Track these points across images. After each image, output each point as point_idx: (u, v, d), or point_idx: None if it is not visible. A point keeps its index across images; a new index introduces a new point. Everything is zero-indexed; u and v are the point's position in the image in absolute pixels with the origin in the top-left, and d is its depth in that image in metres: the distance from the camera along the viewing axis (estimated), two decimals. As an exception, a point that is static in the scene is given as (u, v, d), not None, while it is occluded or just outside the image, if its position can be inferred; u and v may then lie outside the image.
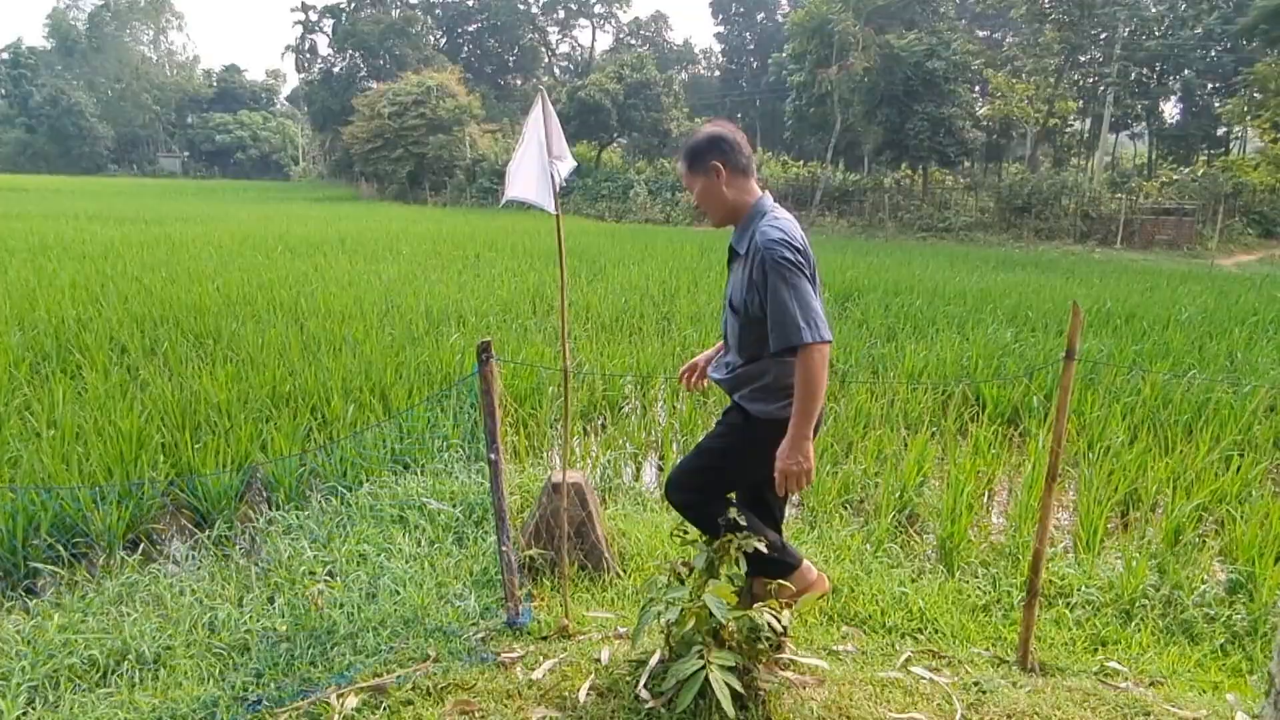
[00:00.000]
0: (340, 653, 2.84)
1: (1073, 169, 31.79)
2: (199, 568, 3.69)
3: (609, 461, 4.98)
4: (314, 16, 61.11)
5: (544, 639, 2.94)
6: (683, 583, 2.47)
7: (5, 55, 75.53)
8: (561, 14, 63.52)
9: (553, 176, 2.62)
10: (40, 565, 3.60)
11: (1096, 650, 3.02)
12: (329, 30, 60.60)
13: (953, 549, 3.80)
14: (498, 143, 41.33)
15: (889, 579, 3.44)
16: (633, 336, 8.54)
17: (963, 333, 8.39)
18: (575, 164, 2.72)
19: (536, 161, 2.60)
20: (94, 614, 3.20)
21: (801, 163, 34.82)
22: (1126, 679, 2.72)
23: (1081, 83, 32.29)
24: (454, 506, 4.07)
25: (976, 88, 33.36)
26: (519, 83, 63.61)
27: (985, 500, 4.77)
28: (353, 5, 59.33)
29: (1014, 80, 29.72)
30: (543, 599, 3.30)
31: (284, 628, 3.00)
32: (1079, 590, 3.38)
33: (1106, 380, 6.53)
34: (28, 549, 3.74)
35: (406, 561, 3.52)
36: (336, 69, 59.44)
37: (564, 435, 3.32)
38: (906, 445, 5.11)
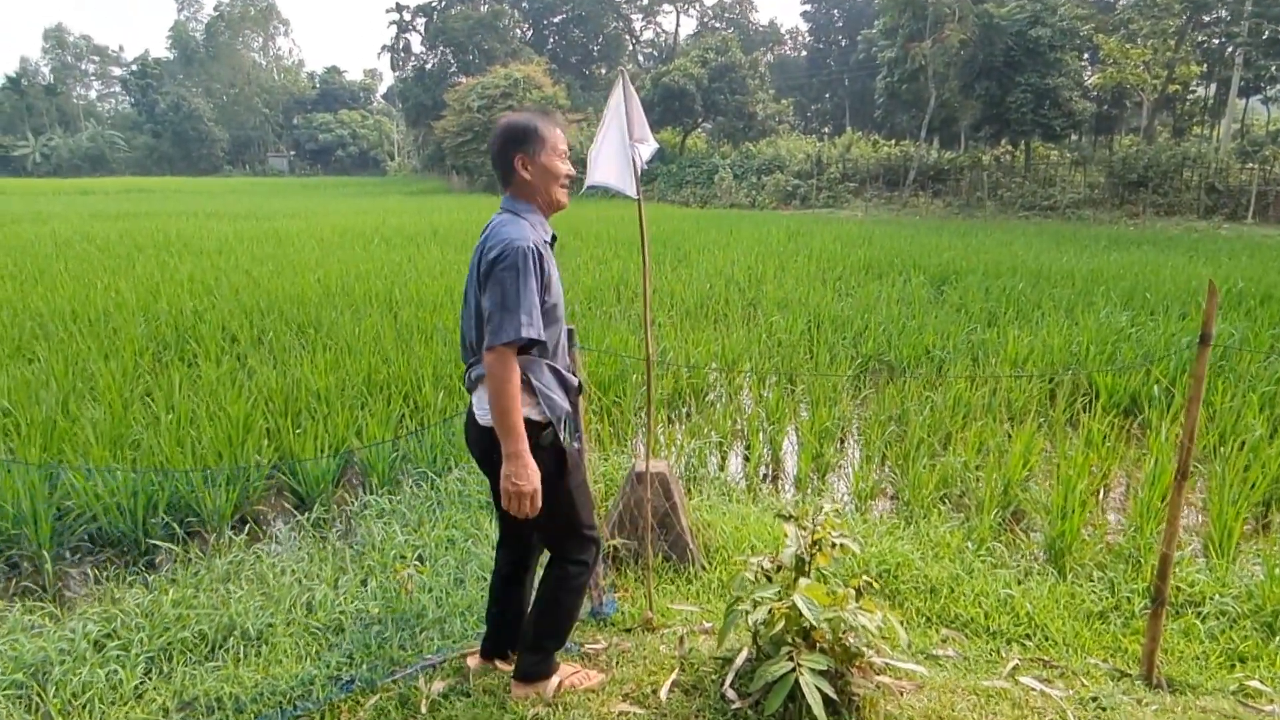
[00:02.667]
0: (428, 637, 2.89)
1: (1195, 139, 29.31)
2: (299, 549, 3.84)
3: (694, 451, 4.90)
4: (408, 16, 63.11)
5: (627, 631, 2.89)
6: (770, 580, 2.37)
7: (135, 67, 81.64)
8: (645, 0, 63.23)
9: (634, 160, 2.55)
10: (158, 543, 3.83)
11: (1233, 667, 2.74)
12: (421, 29, 62.50)
13: (1064, 549, 3.53)
14: (582, 132, 41.60)
15: (993, 580, 3.22)
16: (717, 323, 8.42)
17: (1071, 317, 7.85)
18: (657, 146, 2.64)
19: (618, 146, 2.53)
20: (204, 590, 3.37)
21: (893, 142, 33.46)
22: (1271, 700, 2.45)
23: (1206, 44, 29.64)
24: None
25: (1085, 55, 31.15)
26: (603, 71, 63.81)
27: (1100, 498, 4.43)
28: (444, 3, 60.90)
29: (1128, 45, 27.56)
30: (626, 590, 3.26)
31: (376, 610, 3.08)
32: (1212, 599, 3.07)
33: (1240, 367, 5.95)
34: (147, 527, 3.99)
35: (493, 548, 3.55)
36: (428, 65, 61.20)
37: (648, 424, 3.26)
38: (1010, 437, 4.81)
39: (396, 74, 64.82)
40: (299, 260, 11.86)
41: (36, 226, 18.58)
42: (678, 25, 65.97)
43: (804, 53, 63.33)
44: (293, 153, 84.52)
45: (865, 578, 2.45)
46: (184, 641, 2.95)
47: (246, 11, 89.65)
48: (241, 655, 2.85)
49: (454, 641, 2.86)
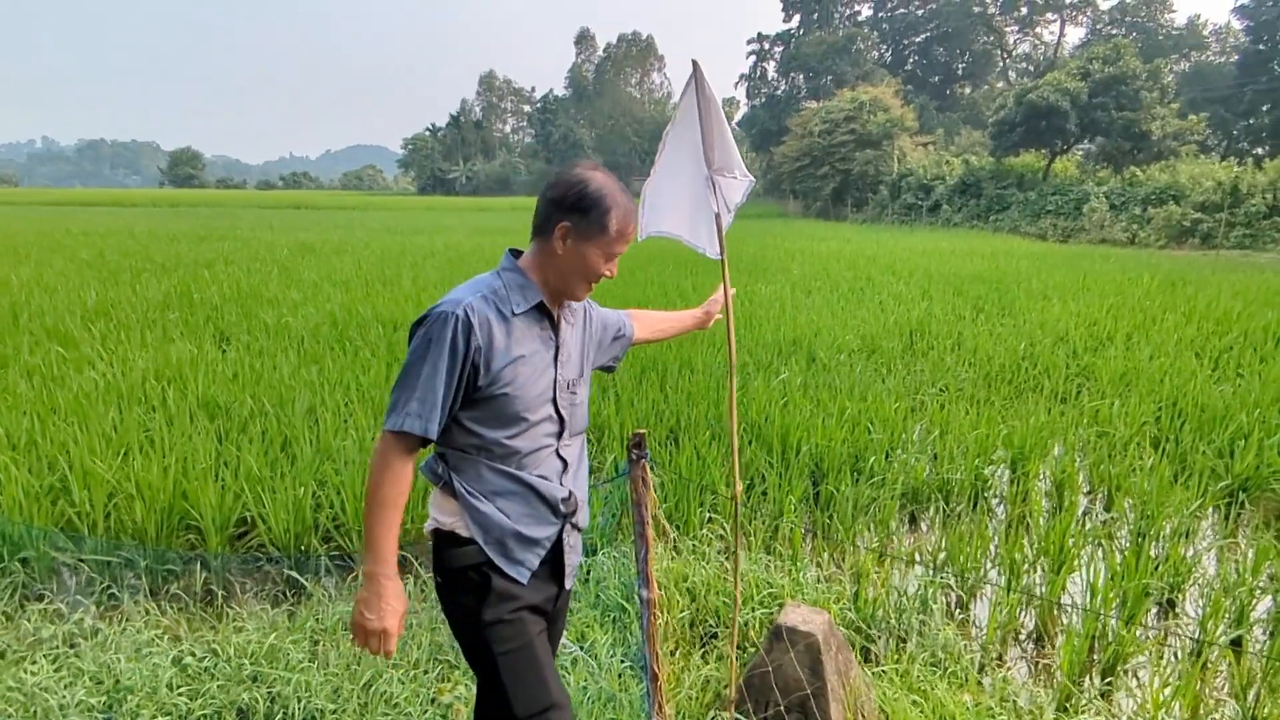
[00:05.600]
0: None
1: None
2: (415, 611, 3.50)
3: (915, 585, 3.59)
4: (767, 45, 65.08)
5: None
6: None
7: (539, 104, 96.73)
8: (1024, 10, 56.90)
9: (714, 200, 1.62)
10: (295, 575, 3.76)
11: None
12: (778, 56, 63.94)
13: None
14: (928, 155, 38.62)
15: None
16: (1025, 394, 6.60)
17: None
18: (751, 181, 1.66)
19: (690, 176, 1.63)
20: (292, 639, 3.15)
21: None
22: None
23: None
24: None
25: None
26: (968, 90, 58.98)
27: None
28: (801, 30, 61.59)
29: None
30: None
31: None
32: None
33: None
34: (304, 549, 3.98)
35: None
36: (779, 91, 62.34)
37: (734, 582, 2.23)
38: None
39: (750, 101, 67.16)
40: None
41: (426, 238, 22.39)
42: (1061, 35, 58.03)
43: (1235, 57, 51.30)
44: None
45: None
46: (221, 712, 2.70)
47: (629, 51, 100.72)
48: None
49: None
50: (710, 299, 2.13)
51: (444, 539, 1.67)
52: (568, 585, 1.82)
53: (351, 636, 1.59)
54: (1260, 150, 42.34)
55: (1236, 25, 51.09)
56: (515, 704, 1.64)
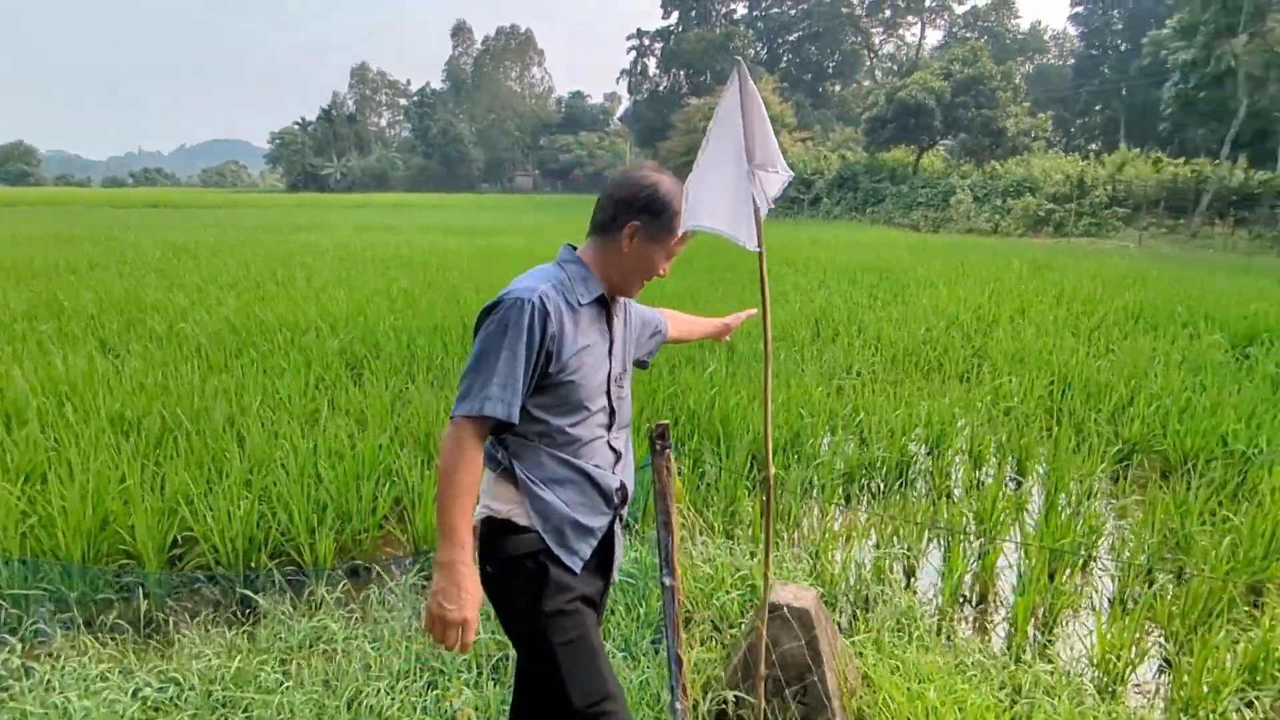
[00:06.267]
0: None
1: None
2: (383, 621, 3.38)
3: (869, 558, 3.82)
4: (647, 41, 65.75)
5: None
6: None
7: (416, 98, 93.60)
8: (888, 13, 60.30)
9: (755, 195, 1.68)
10: (248, 594, 3.55)
11: None
12: (658, 53, 64.76)
13: None
14: (807, 150, 40.34)
15: None
16: (929, 376, 7.07)
17: None
18: (791, 175, 1.75)
19: (731, 172, 1.69)
20: (271, 662, 2.99)
21: (1182, 160, 28.15)
22: None
23: None
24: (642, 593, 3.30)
25: None
26: (838, 88, 61.84)
27: None
28: (680, 27, 62.61)
29: None
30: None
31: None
32: None
33: None
34: (251, 569, 3.76)
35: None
36: (661, 88, 63.20)
37: (764, 552, 2.32)
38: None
39: (632, 97, 67.74)
40: (502, 279, 12.12)
41: (309, 236, 21.27)
42: (922, 37, 61.97)
43: (1071, 60, 56.52)
44: (537, 172, 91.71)
45: None
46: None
47: (508, 45, 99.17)
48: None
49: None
50: (732, 315, 2.26)
51: (499, 527, 1.66)
52: (614, 577, 1.85)
53: (426, 630, 1.56)
54: (1094, 146, 46.89)
55: (1072, 31, 56.27)
56: (573, 695, 1.65)
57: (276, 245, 17.83)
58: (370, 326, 8.12)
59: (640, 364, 1.98)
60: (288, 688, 2.80)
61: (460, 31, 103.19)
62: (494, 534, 1.67)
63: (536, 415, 1.63)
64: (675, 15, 64.58)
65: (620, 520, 1.82)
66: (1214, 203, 24.08)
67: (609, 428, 1.74)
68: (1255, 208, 23.51)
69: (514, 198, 68.59)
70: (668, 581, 2.12)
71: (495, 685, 2.82)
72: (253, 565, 3.73)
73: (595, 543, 1.73)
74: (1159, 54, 28.64)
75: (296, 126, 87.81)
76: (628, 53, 66.60)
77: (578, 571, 1.69)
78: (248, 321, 8.18)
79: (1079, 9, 52.74)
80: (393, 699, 2.77)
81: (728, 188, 1.69)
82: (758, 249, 1.72)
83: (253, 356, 6.76)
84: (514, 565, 1.65)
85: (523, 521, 1.65)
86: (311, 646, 3.15)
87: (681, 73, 61.54)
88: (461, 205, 48.21)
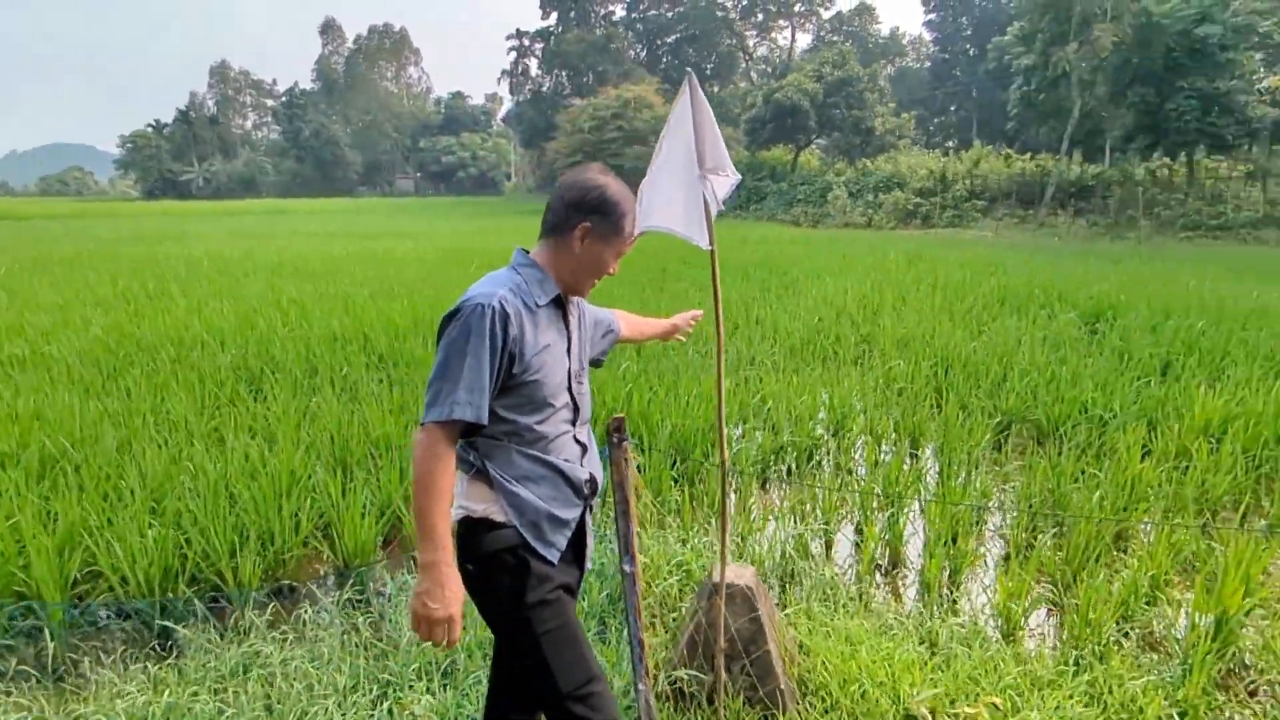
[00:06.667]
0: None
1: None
2: (320, 641, 3.30)
3: (791, 535, 4.06)
4: (526, 41, 65.16)
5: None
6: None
7: (284, 98, 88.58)
8: (760, 16, 62.49)
9: (705, 198, 1.81)
10: (169, 624, 3.38)
11: None
12: (539, 53, 64.33)
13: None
14: (693, 151, 41.23)
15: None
16: (826, 363, 7.49)
17: (1278, 369, 6.41)
18: (738, 179, 1.88)
19: (683, 176, 1.81)
20: (205, 691, 2.87)
21: (1028, 156, 30.90)
22: None
23: None
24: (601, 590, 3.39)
25: (1259, 55, 27.73)
26: (715, 89, 63.48)
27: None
28: (560, 28, 62.45)
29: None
30: (692, 754, 2.49)
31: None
32: None
33: None
34: (167, 600, 3.57)
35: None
36: (544, 88, 62.81)
37: (722, 536, 2.48)
38: (1212, 540, 3.69)
39: (514, 97, 67.00)
40: (398, 283, 11.81)
41: (179, 246, 19.86)
42: (793, 41, 64.67)
43: (927, 64, 60.57)
44: (418, 174, 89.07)
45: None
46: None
47: (381, 44, 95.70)
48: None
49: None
50: (679, 315, 2.37)
51: (476, 525, 1.72)
52: (587, 566, 1.93)
53: (412, 629, 1.60)
54: (951, 143, 50.50)
55: (927, 36, 60.27)
56: (560, 680, 1.73)
57: (142, 256, 16.56)
58: (263, 339, 7.75)
59: (595, 363, 2.06)
60: (229, 715, 2.71)
61: (330, 29, 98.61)
62: (472, 532, 1.72)
63: (504, 415, 1.69)
64: (554, 16, 64.40)
65: (590, 510, 1.91)
66: (1056, 194, 26.53)
67: (573, 422, 1.82)
68: (1090, 198, 26.12)
69: (396, 201, 66.35)
70: (628, 568, 2.22)
71: (448, 690, 2.84)
72: (170, 594, 3.53)
73: (570, 534, 1.81)
74: (1003, 59, 31.29)
75: (151, 129, 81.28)
76: (508, 53, 65.88)
77: (555, 563, 1.77)
78: (123, 340, 7.62)
79: (932, 16, 56.62)
80: (344, 714, 2.73)
81: (680, 190, 1.81)
82: (709, 247, 1.85)
83: (135, 376, 6.32)
84: (495, 561, 1.71)
85: (500, 518, 1.71)
86: (246, 672, 3.04)
87: (563, 73, 61.42)
88: (341, 210, 46.20)
